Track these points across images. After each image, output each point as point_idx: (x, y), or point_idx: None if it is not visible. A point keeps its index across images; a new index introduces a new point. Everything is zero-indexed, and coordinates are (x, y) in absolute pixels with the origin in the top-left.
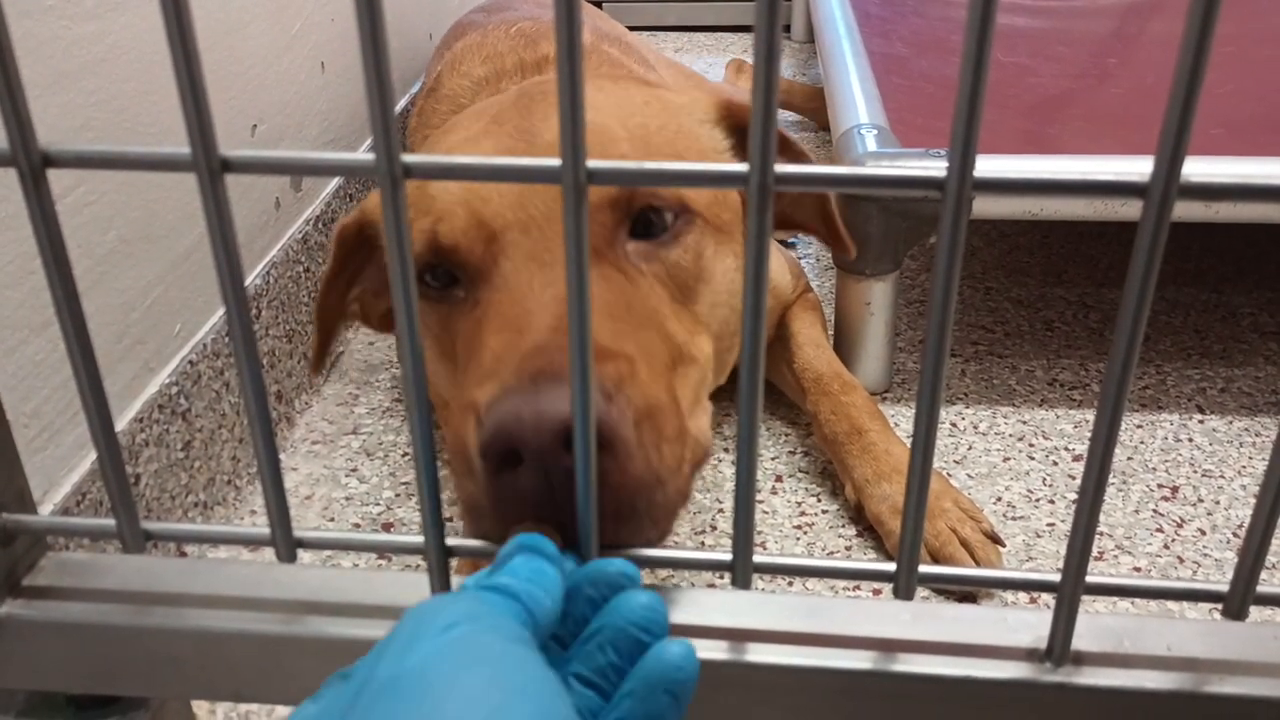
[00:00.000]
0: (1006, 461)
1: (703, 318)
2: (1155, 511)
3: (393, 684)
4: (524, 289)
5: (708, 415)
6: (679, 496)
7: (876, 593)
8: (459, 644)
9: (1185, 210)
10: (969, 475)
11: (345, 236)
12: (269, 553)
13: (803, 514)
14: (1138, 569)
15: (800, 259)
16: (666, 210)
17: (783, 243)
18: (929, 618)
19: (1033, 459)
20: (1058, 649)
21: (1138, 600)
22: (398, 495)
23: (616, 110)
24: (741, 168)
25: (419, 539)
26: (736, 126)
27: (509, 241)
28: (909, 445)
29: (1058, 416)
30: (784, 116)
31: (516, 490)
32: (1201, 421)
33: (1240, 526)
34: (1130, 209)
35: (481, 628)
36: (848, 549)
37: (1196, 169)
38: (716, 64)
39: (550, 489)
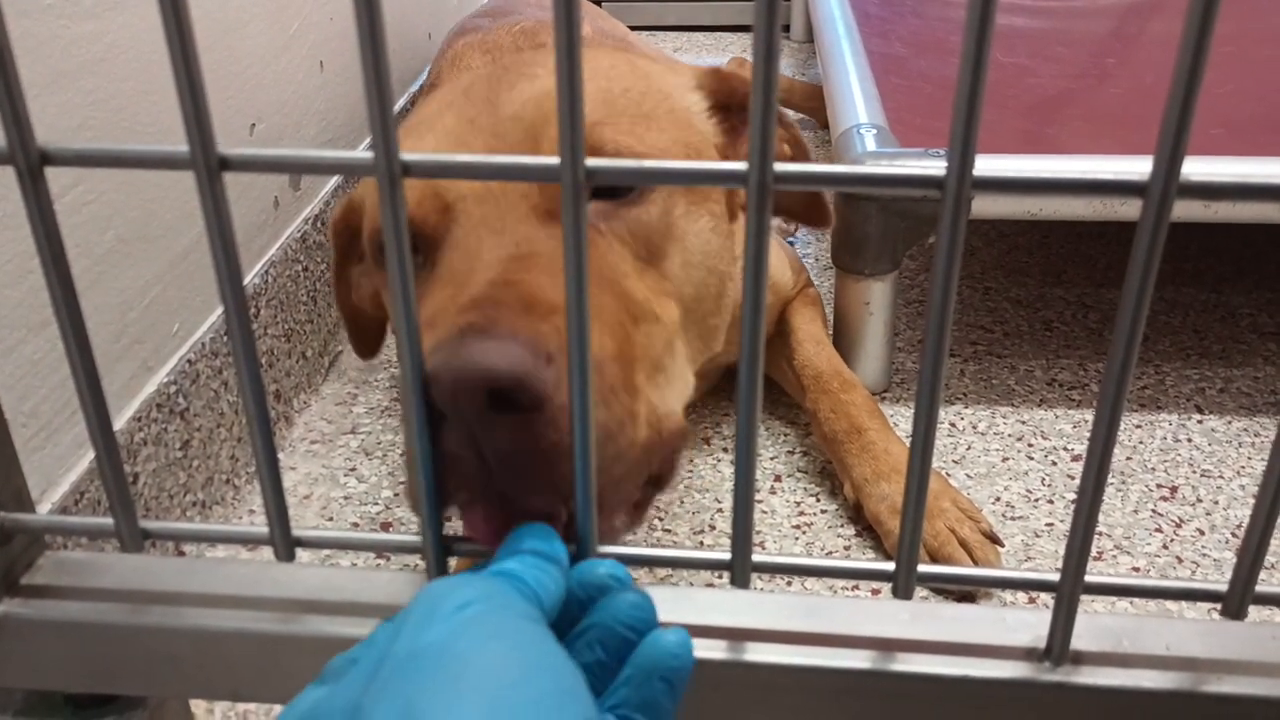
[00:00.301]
0: (1005, 461)
1: (673, 277)
2: (1154, 511)
3: (412, 658)
4: (473, 249)
5: (681, 390)
6: (637, 465)
7: (875, 592)
8: (476, 620)
9: (1184, 210)
10: (968, 475)
11: (338, 230)
12: (267, 552)
13: (801, 514)
14: (1136, 569)
15: (799, 257)
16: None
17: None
18: (928, 617)
19: (1031, 459)
20: (1056, 648)
21: (1136, 600)
22: (396, 495)
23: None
24: (741, 166)
25: (417, 538)
26: (718, 93)
27: (461, 210)
28: (908, 445)
29: (1056, 416)
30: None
31: (444, 449)
32: (1200, 421)
33: (1239, 526)
34: (1129, 209)
35: (496, 605)
36: (846, 549)
37: (1196, 169)
38: (715, 64)
39: (479, 451)
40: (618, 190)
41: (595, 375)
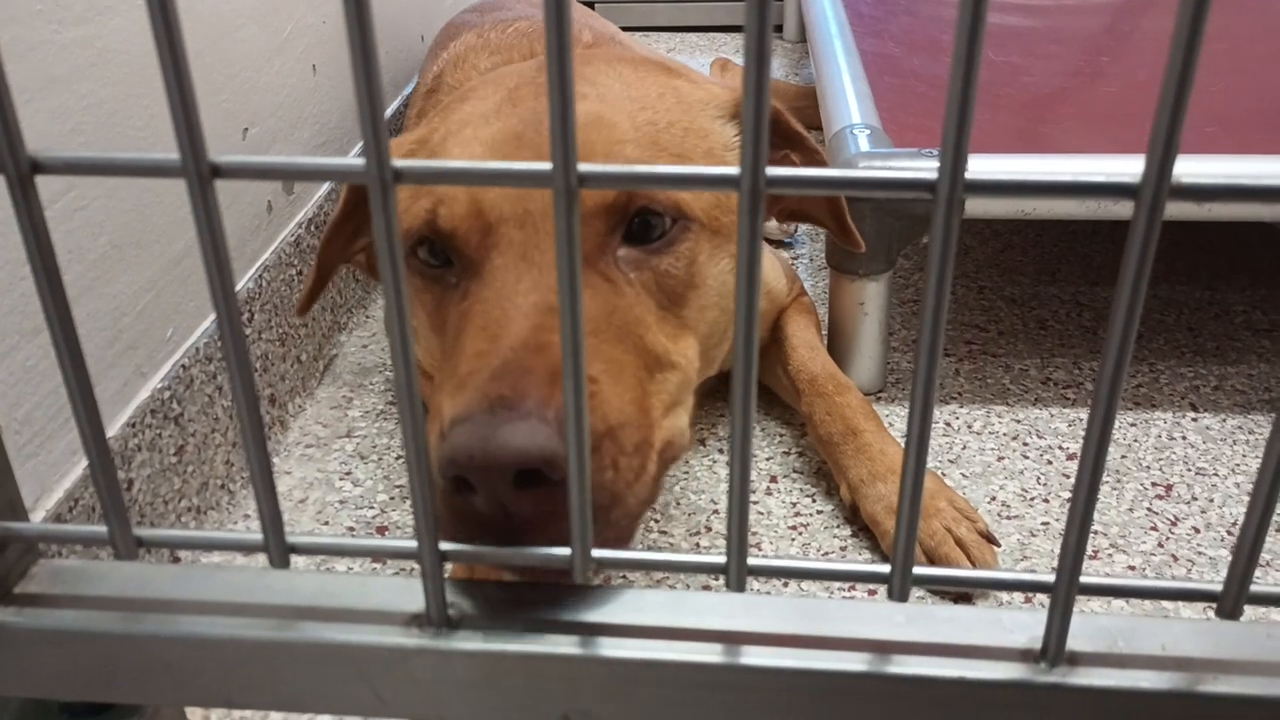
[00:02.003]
0: (1001, 461)
1: (690, 321)
2: (1149, 510)
3: None
4: (509, 289)
5: (688, 412)
6: (639, 506)
7: (871, 593)
8: None
9: (1178, 209)
10: (963, 474)
11: (355, 187)
12: (262, 558)
13: (797, 515)
14: (1132, 567)
15: (794, 260)
16: (664, 215)
17: (780, 243)
18: (924, 619)
19: (1027, 458)
20: (1052, 649)
21: (1132, 599)
22: (392, 498)
23: (628, 103)
24: (733, 171)
25: (413, 544)
26: None
27: (503, 236)
28: (903, 445)
29: (1052, 415)
30: None
31: (470, 510)
32: (1195, 419)
33: (1234, 524)
34: (1123, 208)
35: None
36: (843, 549)
37: (1189, 167)
38: (706, 65)
39: (505, 515)
40: (649, 234)
41: (610, 441)
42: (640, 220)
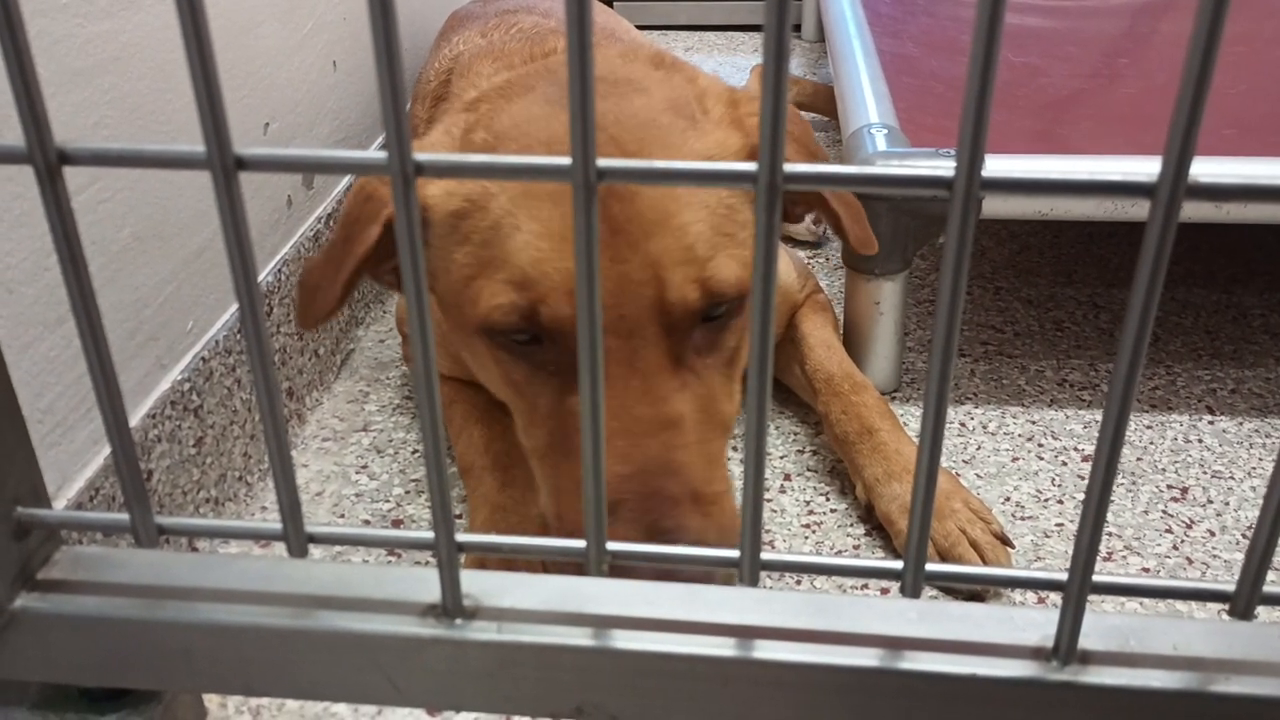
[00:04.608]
0: (1015, 461)
1: (740, 369)
2: (1164, 512)
3: None
4: (623, 404)
5: None
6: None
7: (884, 591)
8: None
9: (1195, 210)
10: (978, 475)
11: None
12: (280, 548)
13: (811, 513)
14: (1146, 570)
15: (811, 259)
16: (732, 298)
17: (807, 244)
18: (936, 616)
19: (1042, 459)
20: (1064, 648)
21: (1146, 600)
22: (407, 492)
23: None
24: (750, 167)
25: (429, 534)
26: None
27: (606, 346)
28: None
29: (1067, 417)
30: (809, 118)
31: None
32: (1211, 422)
33: (1250, 528)
34: (1140, 209)
35: None
36: (856, 548)
37: (1206, 169)
38: (726, 63)
39: None
40: (715, 311)
41: (718, 511)
42: (713, 307)
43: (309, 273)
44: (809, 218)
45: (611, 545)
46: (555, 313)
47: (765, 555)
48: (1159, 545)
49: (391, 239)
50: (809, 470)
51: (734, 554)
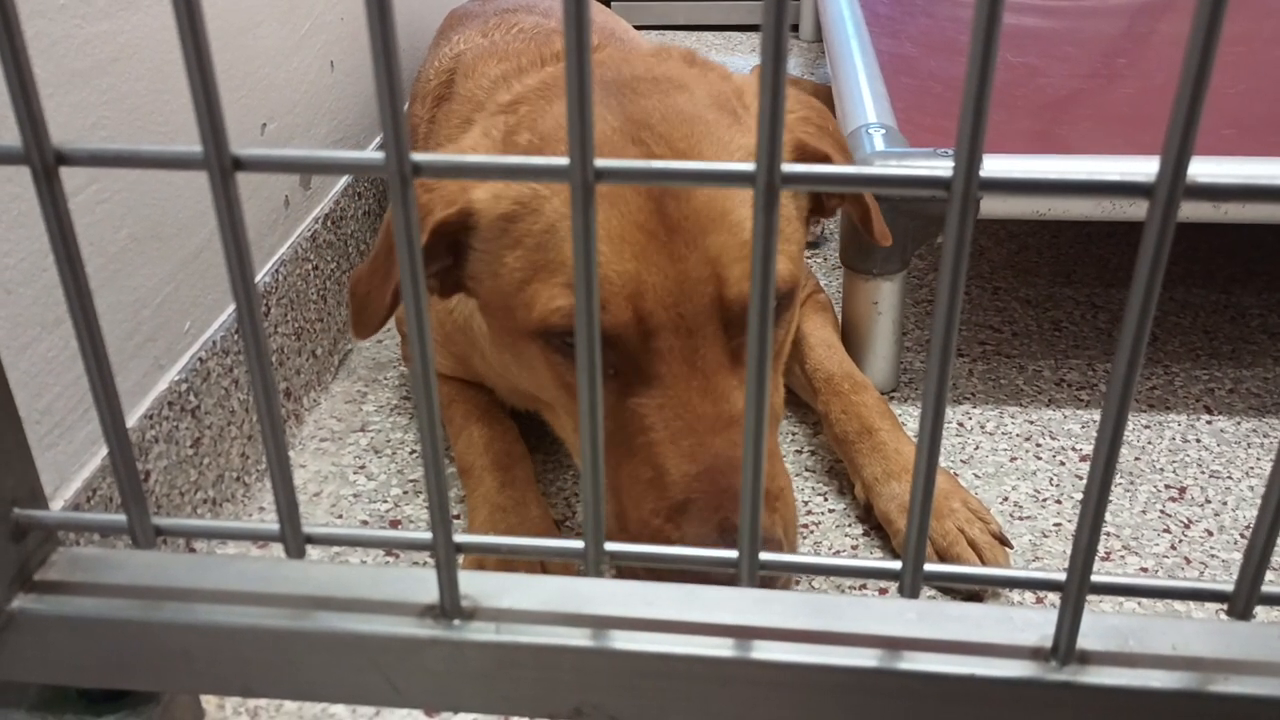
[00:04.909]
0: (1014, 461)
1: (782, 363)
2: (1162, 512)
3: None
4: (687, 402)
5: None
6: (795, 547)
7: (883, 591)
8: None
9: (1193, 210)
10: (976, 475)
11: (443, 230)
12: (278, 548)
13: (809, 513)
14: (1144, 569)
15: (810, 258)
16: (782, 295)
17: (806, 242)
18: (934, 616)
19: (1040, 459)
20: (1063, 648)
21: (1144, 600)
22: (405, 493)
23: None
24: (749, 167)
25: (427, 535)
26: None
27: (664, 343)
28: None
29: (1065, 416)
30: None
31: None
32: (1209, 422)
33: (1248, 528)
34: (1138, 209)
35: None
36: (854, 548)
37: (1205, 169)
38: (724, 64)
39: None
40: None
41: (784, 505)
42: None
43: (357, 282)
44: None
45: (610, 546)
46: (615, 317)
47: (763, 556)
48: (1157, 545)
49: (436, 246)
50: (807, 470)
51: (733, 554)
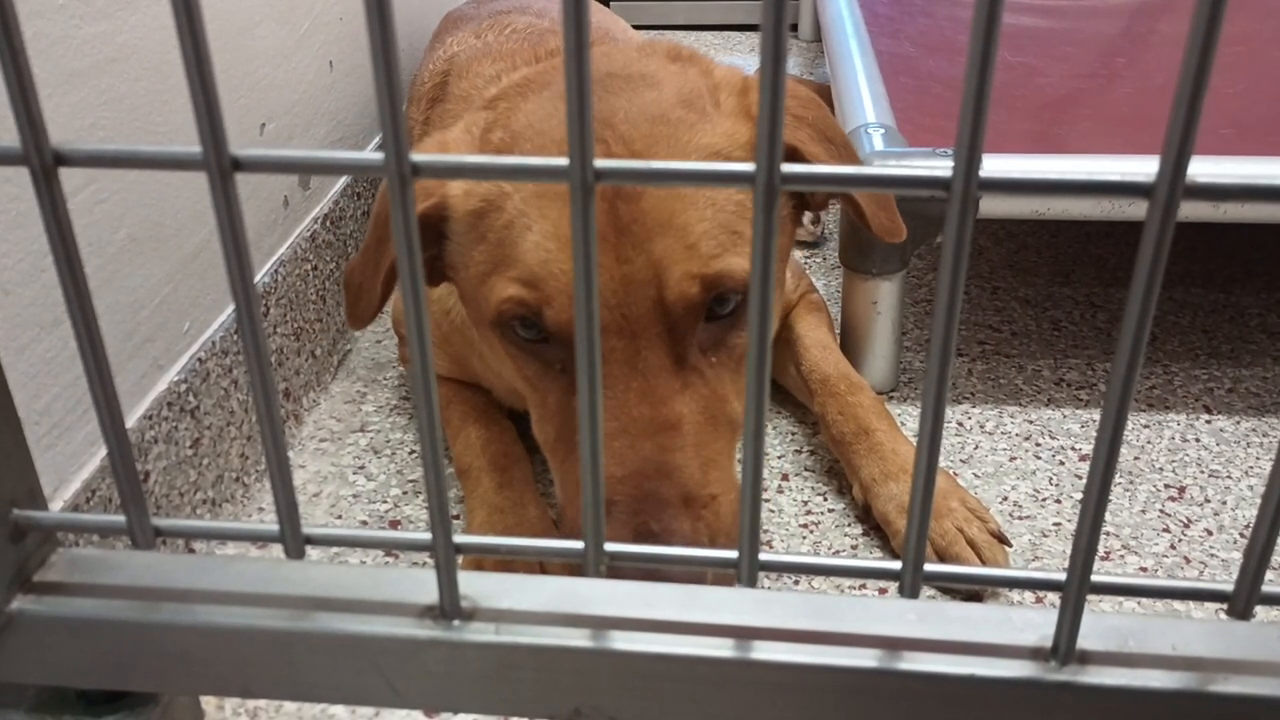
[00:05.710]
0: (1013, 461)
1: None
2: (1162, 511)
3: None
4: (623, 404)
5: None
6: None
7: (882, 591)
8: None
9: (1193, 210)
10: (975, 475)
11: (424, 221)
12: (277, 549)
13: (809, 513)
14: (1144, 569)
15: (807, 259)
16: (737, 291)
17: (804, 242)
18: (934, 617)
19: (1039, 458)
20: (1063, 648)
21: (1144, 600)
22: (404, 493)
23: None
24: (748, 167)
25: (426, 536)
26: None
27: (608, 347)
28: (916, 444)
29: (1064, 416)
30: None
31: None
32: (1209, 422)
33: (1247, 527)
34: (1138, 209)
35: None
36: (854, 548)
37: (1204, 169)
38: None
39: None
40: (723, 307)
41: (711, 514)
42: (718, 299)
43: (350, 273)
44: (807, 217)
45: (610, 546)
46: (559, 314)
47: (763, 556)
48: (1156, 545)
49: (425, 235)
50: (806, 470)
51: (732, 555)
